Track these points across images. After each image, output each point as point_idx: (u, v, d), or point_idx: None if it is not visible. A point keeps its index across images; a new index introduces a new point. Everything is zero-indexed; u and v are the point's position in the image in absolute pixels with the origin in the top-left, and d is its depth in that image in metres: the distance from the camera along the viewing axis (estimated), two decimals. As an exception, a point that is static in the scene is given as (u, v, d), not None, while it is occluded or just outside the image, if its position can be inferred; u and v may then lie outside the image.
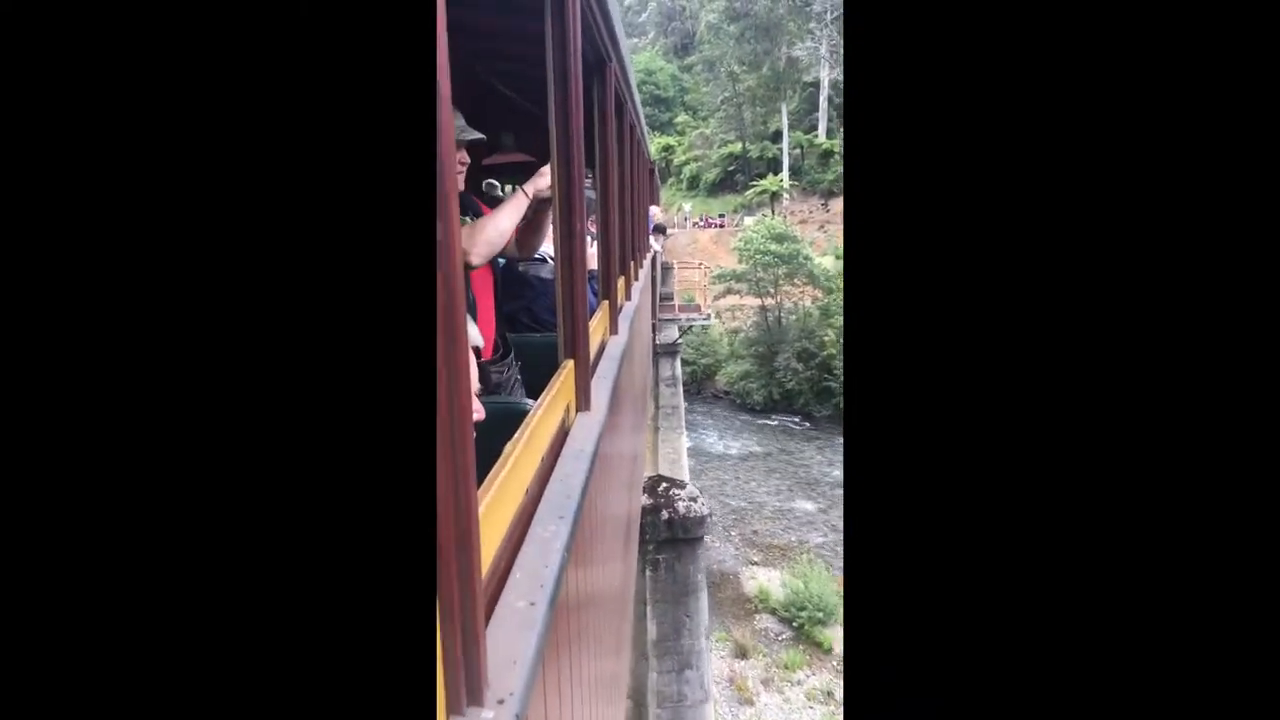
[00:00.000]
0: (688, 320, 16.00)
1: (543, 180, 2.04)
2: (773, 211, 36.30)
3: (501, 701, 0.81)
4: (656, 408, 12.79)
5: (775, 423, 24.28)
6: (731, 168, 43.79)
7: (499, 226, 1.97)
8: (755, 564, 15.23)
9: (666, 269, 17.44)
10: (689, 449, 14.32)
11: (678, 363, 14.47)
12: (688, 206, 41.86)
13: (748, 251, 25.18)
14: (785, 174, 39.56)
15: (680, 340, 15.45)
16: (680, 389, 14.23)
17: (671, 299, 17.44)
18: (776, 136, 41.98)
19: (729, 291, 25.51)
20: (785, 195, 38.13)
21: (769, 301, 26.14)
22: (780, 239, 24.72)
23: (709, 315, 16.90)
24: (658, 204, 16.47)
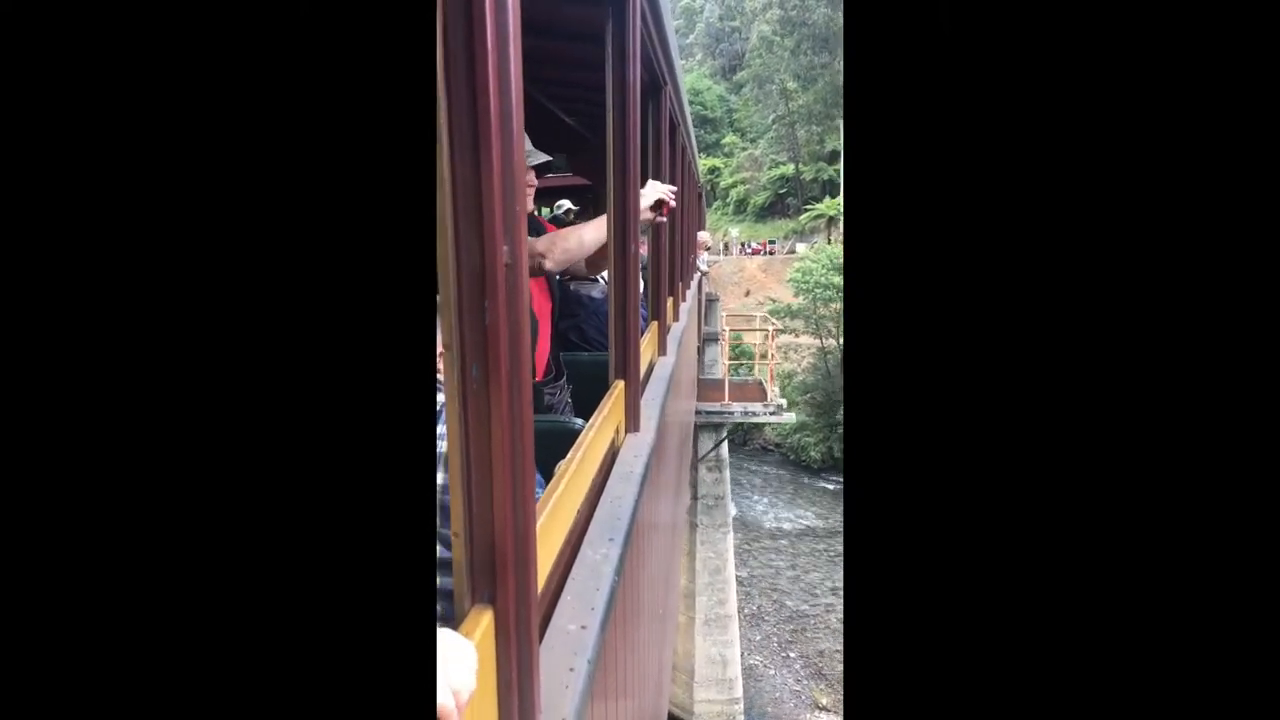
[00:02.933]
0: (744, 413, 9.84)
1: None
2: (828, 238, 34.35)
3: (554, 726, 0.80)
4: (695, 498, 9.46)
5: (835, 487, 19.48)
6: (782, 190, 42.61)
7: (582, 239, 1.98)
8: (824, 709, 10.64)
9: (711, 302, 12.99)
10: (733, 518, 10.65)
11: (724, 443, 9.99)
12: (734, 231, 41.08)
13: (805, 284, 22.07)
14: (842, 197, 38.56)
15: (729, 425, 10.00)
16: (726, 474, 10.13)
17: (716, 338, 12.52)
18: (833, 157, 39.86)
19: (782, 330, 21.81)
20: (843, 220, 36.86)
21: (829, 342, 22.87)
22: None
23: (777, 405, 10.11)
24: (704, 228, 12.21)
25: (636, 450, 1.75)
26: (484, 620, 0.70)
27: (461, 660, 0.61)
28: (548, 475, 1.20)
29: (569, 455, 1.27)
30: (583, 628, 0.99)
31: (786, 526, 17.31)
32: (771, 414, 10.03)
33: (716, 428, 9.86)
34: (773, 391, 10.45)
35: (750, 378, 11.87)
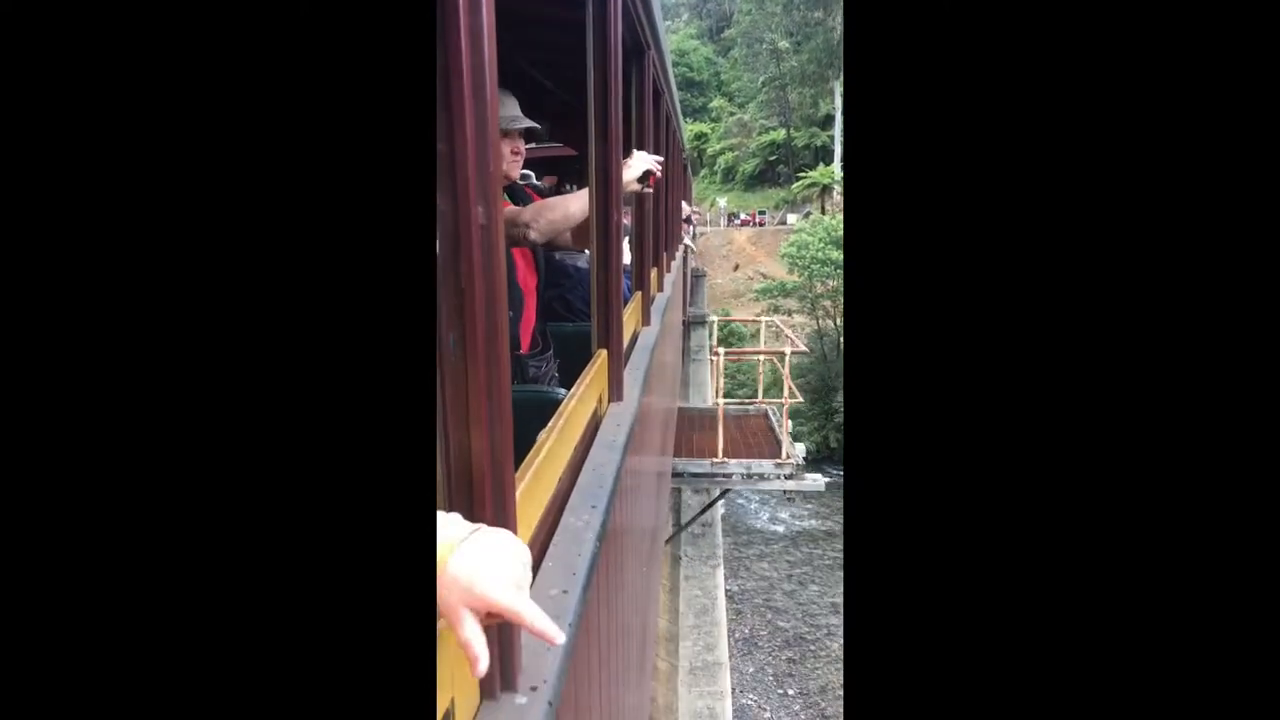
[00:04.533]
0: (748, 475, 6.72)
1: (626, 174, 1.97)
2: (822, 208, 32.73)
3: (535, 688, 0.81)
4: (678, 528, 8.05)
5: (830, 479, 17.93)
6: (773, 157, 40.52)
7: (568, 210, 1.91)
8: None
9: (698, 278, 11.53)
10: (721, 517, 8.81)
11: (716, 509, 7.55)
12: (722, 201, 39.92)
13: (801, 260, 20.37)
14: (837, 165, 35.02)
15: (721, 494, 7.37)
16: (719, 525, 8.40)
17: (703, 319, 10.45)
18: (827, 122, 37.88)
19: (775, 309, 20.78)
20: (836, 189, 33.63)
21: (826, 323, 21.12)
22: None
23: (796, 465, 6.77)
24: (689, 200, 11.50)
25: (619, 419, 1.75)
26: (463, 585, 0.70)
27: (518, 557, 0.64)
28: (529, 445, 1.20)
29: (550, 424, 1.27)
30: (564, 592, 1.00)
31: (780, 529, 15.91)
32: (788, 477, 6.68)
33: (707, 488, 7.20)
34: (788, 440, 6.96)
35: (751, 407, 8.75)
